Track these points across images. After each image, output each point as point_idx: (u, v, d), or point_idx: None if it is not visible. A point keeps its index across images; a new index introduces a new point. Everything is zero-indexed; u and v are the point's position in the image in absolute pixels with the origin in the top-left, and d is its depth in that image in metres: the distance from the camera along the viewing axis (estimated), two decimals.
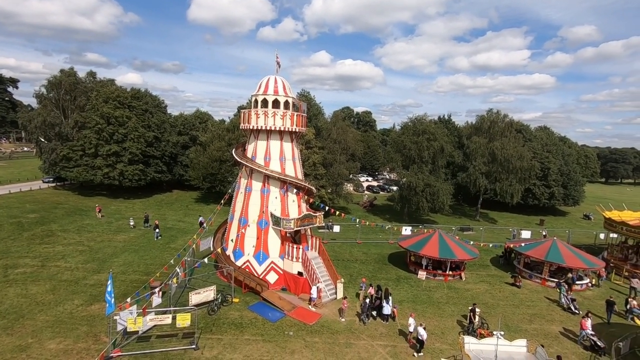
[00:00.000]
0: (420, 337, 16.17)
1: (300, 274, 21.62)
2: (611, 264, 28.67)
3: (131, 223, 34.39)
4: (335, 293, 21.44)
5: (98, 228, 33.45)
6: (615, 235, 32.43)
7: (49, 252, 26.46)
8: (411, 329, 17.05)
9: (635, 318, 20.48)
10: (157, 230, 32.00)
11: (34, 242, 28.53)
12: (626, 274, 27.07)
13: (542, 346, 14.80)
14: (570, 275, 24.60)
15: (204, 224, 32.96)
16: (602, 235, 36.71)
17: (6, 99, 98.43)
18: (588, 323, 17.83)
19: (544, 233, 38.72)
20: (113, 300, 15.72)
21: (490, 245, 30.96)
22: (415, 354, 16.27)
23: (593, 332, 17.63)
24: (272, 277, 22.29)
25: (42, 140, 50.74)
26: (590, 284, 25.53)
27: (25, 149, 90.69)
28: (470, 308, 18.81)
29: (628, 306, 21.25)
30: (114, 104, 44.97)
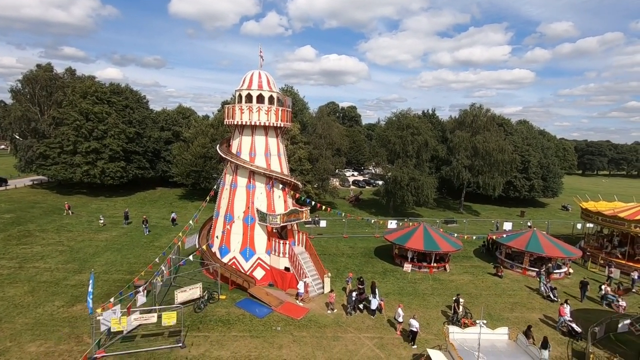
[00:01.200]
0: (413, 329, 16.45)
1: (287, 269, 21.63)
2: (587, 253, 29.80)
3: (101, 221, 33.84)
4: (323, 287, 21.55)
5: (78, 227, 32.56)
6: (591, 225, 33.66)
7: (26, 253, 25.62)
8: (400, 319, 17.33)
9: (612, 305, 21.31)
10: (145, 225, 32.31)
11: (11, 242, 27.57)
12: (601, 261, 28.18)
13: (530, 327, 15.45)
14: (550, 264, 25.45)
15: (176, 220, 35.18)
16: (579, 225, 38.04)
17: None
18: (566, 310, 18.52)
19: (529, 224, 39.83)
20: (91, 302, 15.40)
21: (474, 237, 31.65)
22: (409, 344, 16.59)
23: (571, 319, 18.33)
24: (259, 273, 22.22)
25: (17, 137, 48.87)
26: (568, 273, 26.47)
27: (2, 146, 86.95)
28: (454, 298, 19.25)
29: (602, 292, 22.17)
30: (92, 99, 43.62)
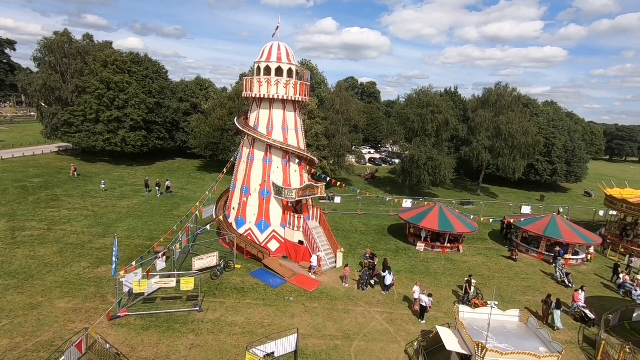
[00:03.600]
0: (423, 304, 16.77)
1: (301, 242, 22.03)
2: (608, 241, 29.08)
3: (102, 186, 35.21)
4: (335, 262, 21.95)
5: (102, 194, 33.82)
6: (614, 213, 32.63)
7: (54, 216, 26.92)
8: (416, 296, 17.60)
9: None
10: (158, 188, 35.04)
11: (40, 206, 28.95)
12: (622, 250, 27.50)
13: (550, 295, 16.12)
14: (557, 248, 24.93)
15: (171, 188, 36.60)
16: (601, 212, 36.94)
17: (4, 61, 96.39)
18: (581, 296, 18.33)
19: (560, 209, 38.74)
20: (114, 265, 16.23)
21: (491, 220, 31.18)
22: (418, 320, 17.00)
23: (584, 305, 18.17)
24: (273, 245, 22.75)
25: (43, 104, 50.17)
26: (585, 259, 26.00)
27: (32, 113, 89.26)
28: (466, 279, 19.28)
29: (620, 280, 21.77)
30: (112, 68, 44.03)
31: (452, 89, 60.14)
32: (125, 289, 16.22)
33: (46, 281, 17.90)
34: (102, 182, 35.99)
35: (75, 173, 39.39)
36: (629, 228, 30.13)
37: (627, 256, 25.92)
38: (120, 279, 15.95)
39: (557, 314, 17.14)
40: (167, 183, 36.97)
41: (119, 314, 15.51)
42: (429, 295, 17.56)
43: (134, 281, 15.81)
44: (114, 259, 16.32)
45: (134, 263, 17.47)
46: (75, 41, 49.43)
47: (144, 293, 16.65)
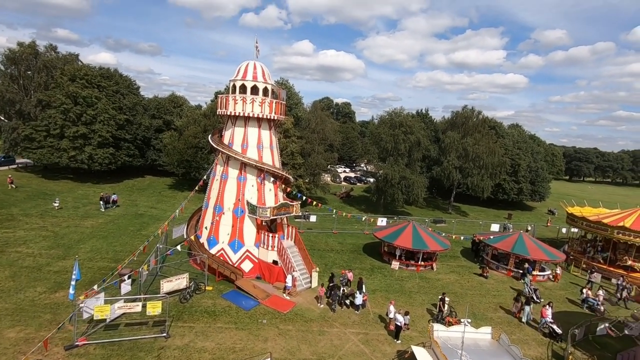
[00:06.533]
0: (398, 324, 16.68)
1: (275, 262, 21.56)
2: (571, 257, 30.41)
3: (56, 204, 33.18)
4: (310, 282, 21.58)
5: (64, 213, 31.92)
6: (576, 230, 34.33)
7: (8, 237, 25.01)
8: (391, 315, 17.49)
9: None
10: (101, 202, 34.02)
11: None
12: (584, 266, 28.79)
13: (519, 293, 16.87)
14: (526, 265, 25.79)
15: (117, 202, 36.22)
16: (564, 230, 38.78)
17: None
18: (548, 312, 18.88)
19: (528, 227, 40.71)
20: (72, 289, 15.17)
21: (462, 237, 31.90)
22: (393, 340, 16.83)
23: (552, 320, 18.71)
24: (246, 266, 22.11)
25: (2, 118, 47.53)
26: (551, 276, 26.95)
27: None
28: (440, 297, 19.44)
29: (583, 295, 22.67)
30: (81, 83, 42.56)
31: (423, 111, 62.37)
32: (85, 315, 15.09)
33: None
34: (56, 199, 33.68)
35: (12, 185, 37.54)
36: (589, 245, 31.72)
37: (588, 271, 27.13)
38: (80, 304, 14.85)
39: (527, 309, 19.79)
40: (113, 197, 36.28)
41: (77, 343, 14.36)
42: (406, 314, 17.51)
43: (95, 307, 14.77)
44: (72, 282, 15.17)
45: (95, 286, 16.38)
46: (40, 53, 47.55)
47: (105, 319, 15.57)
